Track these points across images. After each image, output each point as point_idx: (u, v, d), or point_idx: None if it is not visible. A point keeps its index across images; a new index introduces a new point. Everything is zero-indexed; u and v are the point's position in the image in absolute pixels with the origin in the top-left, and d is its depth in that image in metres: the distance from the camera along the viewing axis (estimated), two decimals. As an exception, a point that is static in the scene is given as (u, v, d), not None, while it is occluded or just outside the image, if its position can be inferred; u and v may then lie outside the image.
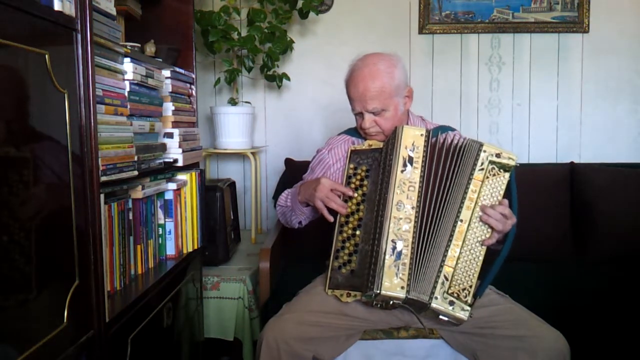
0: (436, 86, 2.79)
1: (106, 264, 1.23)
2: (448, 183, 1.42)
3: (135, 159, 1.36)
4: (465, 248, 1.38)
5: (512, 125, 2.81)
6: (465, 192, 1.40)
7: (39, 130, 0.94)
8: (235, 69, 2.49)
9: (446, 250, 1.38)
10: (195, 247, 1.78)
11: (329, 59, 2.76)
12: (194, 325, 1.83)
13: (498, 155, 1.41)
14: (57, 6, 0.99)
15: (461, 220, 1.39)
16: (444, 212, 1.40)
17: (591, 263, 2.28)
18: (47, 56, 0.94)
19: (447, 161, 1.43)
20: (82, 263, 1.06)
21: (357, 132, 1.72)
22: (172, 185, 1.65)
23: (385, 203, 1.41)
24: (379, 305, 1.46)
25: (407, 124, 1.67)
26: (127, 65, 1.38)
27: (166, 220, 1.65)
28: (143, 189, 1.45)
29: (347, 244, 1.50)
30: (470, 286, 1.37)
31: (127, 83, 1.37)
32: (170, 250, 1.67)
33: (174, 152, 1.66)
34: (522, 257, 1.91)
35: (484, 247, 1.39)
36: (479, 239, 1.39)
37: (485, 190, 1.40)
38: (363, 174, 1.54)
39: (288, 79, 2.58)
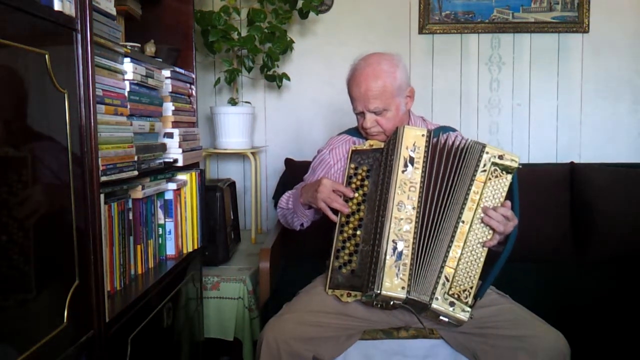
0: (436, 86, 2.79)
1: (106, 264, 1.23)
2: (450, 184, 1.42)
3: (135, 159, 1.36)
4: (467, 249, 1.38)
5: (512, 125, 2.81)
6: (468, 193, 1.40)
7: (39, 130, 0.94)
8: (235, 69, 2.49)
9: (447, 251, 1.37)
10: (195, 247, 1.78)
11: (329, 59, 2.76)
12: (194, 325, 1.83)
13: (501, 157, 1.41)
14: (57, 6, 0.99)
15: (463, 221, 1.39)
16: (446, 212, 1.40)
17: (591, 263, 2.28)
18: (47, 56, 0.94)
19: (449, 162, 1.43)
20: (82, 263, 1.06)
21: (358, 132, 1.72)
22: (172, 185, 1.65)
23: (386, 203, 1.40)
24: (379, 306, 1.46)
25: (408, 124, 1.67)
26: (127, 65, 1.38)
27: (166, 220, 1.65)
28: (143, 189, 1.45)
29: (348, 244, 1.50)
30: (471, 287, 1.37)
31: (127, 83, 1.37)
32: (170, 250, 1.67)
33: (174, 152, 1.66)
34: (523, 257, 1.90)
35: (485, 249, 1.40)
36: (481, 240, 1.39)
37: (488, 192, 1.40)
38: (364, 174, 1.54)
39: (288, 79, 2.57)
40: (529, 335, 1.39)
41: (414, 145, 1.43)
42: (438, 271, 1.37)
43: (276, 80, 2.55)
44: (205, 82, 2.75)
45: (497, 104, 2.80)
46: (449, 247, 1.38)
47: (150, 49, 1.69)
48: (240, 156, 2.84)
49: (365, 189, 1.52)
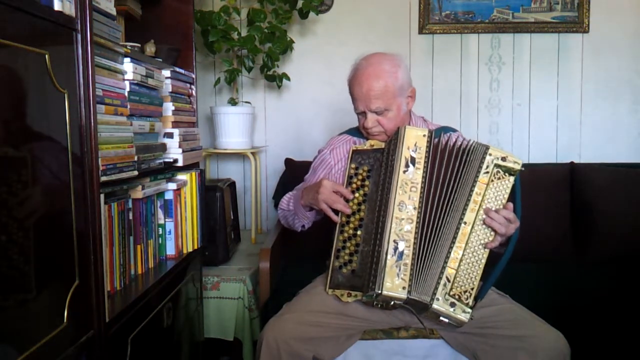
0: (436, 86, 2.79)
1: (106, 264, 1.23)
2: (452, 184, 1.42)
3: (135, 159, 1.36)
4: (468, 250, 1.38)
5: (512, 125, 2.81)
6: (470, 195, 1.39)
7: (39, 130, 0.94)
8: (235, 69, 2.49)
9: (449, 252, 1.37)
10: (195, 247, 1.78)
11: (329, 59, 2.76)
12: (194, 325, 1.83)
13: (504, 159, 1.41)
14: (57, 6, 0.99)
15: (465, 223, 1.39)
16: (447, 213, 1.40)
17: (591, 263, 2.28)
18: (47, 56, 0.94)
19: (451, 162, 1.43)
20: (82, 263, 1.06)
21: (358, 131, 1.72)
22: (172, 185, 1.65)
23: (387, 203, 1.40)
24: (379, 306, 1.46)
25: (409, 124, 1.67)
26: (127, 65, 1.37)
27: (166, 220, 1.65)
28: (143, 189, 1.45)
29: (348, 244, 1.50)
30: (472, 288, 1.37)
31: (127, 83, 1.37)
32: (170, 250, 1.67)
33: (174, 152, 1.66)
34: (523, 258, 1.90)
35: (487, 250, 1.39)
36: (482, 241, 1.39)
37: (490, 194, 1.40)
38: (365, 174, 1.54)
39: (288, 79, 2.57)
40: (529, 335, 1.39)
41: (415, 145, 1.43)
42: (439, 272, 1.37)
43: (276, 80, 2.54)
44: (205, 82, 2.75)
45: (497, 104, 2.80)
46: (451, 247, 1.38)
47: (150, 49, 1.68)
48: (240, 156, 2.84)
49: (366, 189, 1.52)
